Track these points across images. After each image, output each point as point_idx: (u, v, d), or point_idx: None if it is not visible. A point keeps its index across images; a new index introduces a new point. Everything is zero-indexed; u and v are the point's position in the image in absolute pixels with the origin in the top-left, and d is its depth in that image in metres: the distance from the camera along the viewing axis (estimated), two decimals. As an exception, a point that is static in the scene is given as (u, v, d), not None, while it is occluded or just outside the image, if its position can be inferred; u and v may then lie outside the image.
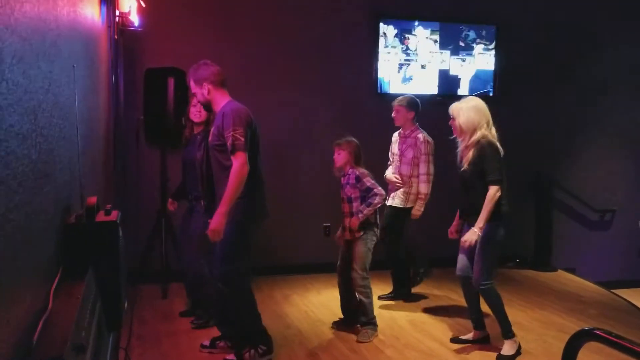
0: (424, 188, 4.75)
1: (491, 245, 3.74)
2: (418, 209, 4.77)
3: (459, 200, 4.00)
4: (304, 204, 5.91)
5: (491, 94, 6.25)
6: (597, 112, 6.78)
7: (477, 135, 3.74)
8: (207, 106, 3.65)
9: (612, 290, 5.60)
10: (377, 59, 5.96)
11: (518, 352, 3.85)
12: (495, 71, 6.29)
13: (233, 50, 5.60)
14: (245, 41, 5.63)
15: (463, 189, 3.89)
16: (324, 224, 5.98)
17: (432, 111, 4.96)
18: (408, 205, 4.79)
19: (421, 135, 4.76)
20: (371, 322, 4.19)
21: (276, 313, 4.66)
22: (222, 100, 3.57)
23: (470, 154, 3.76)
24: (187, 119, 4.38)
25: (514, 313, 4.75)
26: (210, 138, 3.58)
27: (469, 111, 3.76)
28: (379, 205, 4.15)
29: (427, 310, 4.80)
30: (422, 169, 4.74)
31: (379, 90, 5.99)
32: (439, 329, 4.38)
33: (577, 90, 6.67)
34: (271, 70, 5.75)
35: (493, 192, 3.66)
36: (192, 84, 3.60)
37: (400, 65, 6.06)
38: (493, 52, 6.27)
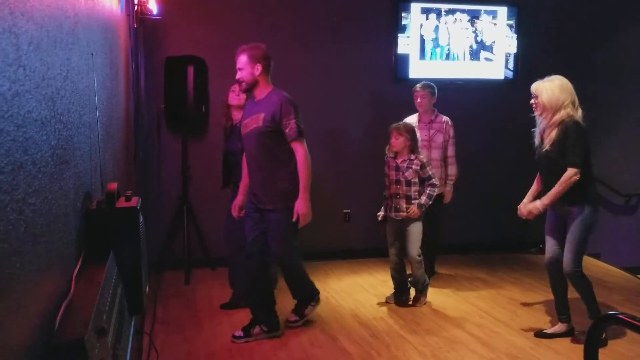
0: (453, 170, 4.96)
1: (589, 230, 3.60)
2: (449, 191, 4.96)
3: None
4: (324, 191, 5.89)
5: (512, 78, 6.17)
6: (622, 94, 6.63)
7: (561, 114, 3.57)
8: (250, 87, 3.68)
9: (637, 276, 5.50)
10: (396, 44, 5.90)
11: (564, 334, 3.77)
12: (516, 54, 6.19)
13: (252, 37, 5.53)
14: (265, 28, 5.60)
15: (545, 170, 3.72)
16: (344, 211, 5.97)
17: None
18: (441, 190, 4.89)
19: (448, 119, 4.96)
20: (424, 288, 4.53)
21: (297, 299, 4.68)
22: (267, 86, 3.69)
23: (554, 133, 3.58)
24: (225, 106, 4.33)
25: (538, 298, 4.71)
26: (260, 123, 3.61)
27: (553, 89, 3.60)
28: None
29: (447, 296, 4.78)
30: (451, 151, 4.96)
31: (399, 75, 5.94)
32: (461, 315, 4.35)
33: (601, 72, 6.53)
34: (292, 56, 5.72)
35: (570, 174, 3.50)
36: (243, 58, 3.62)
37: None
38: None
